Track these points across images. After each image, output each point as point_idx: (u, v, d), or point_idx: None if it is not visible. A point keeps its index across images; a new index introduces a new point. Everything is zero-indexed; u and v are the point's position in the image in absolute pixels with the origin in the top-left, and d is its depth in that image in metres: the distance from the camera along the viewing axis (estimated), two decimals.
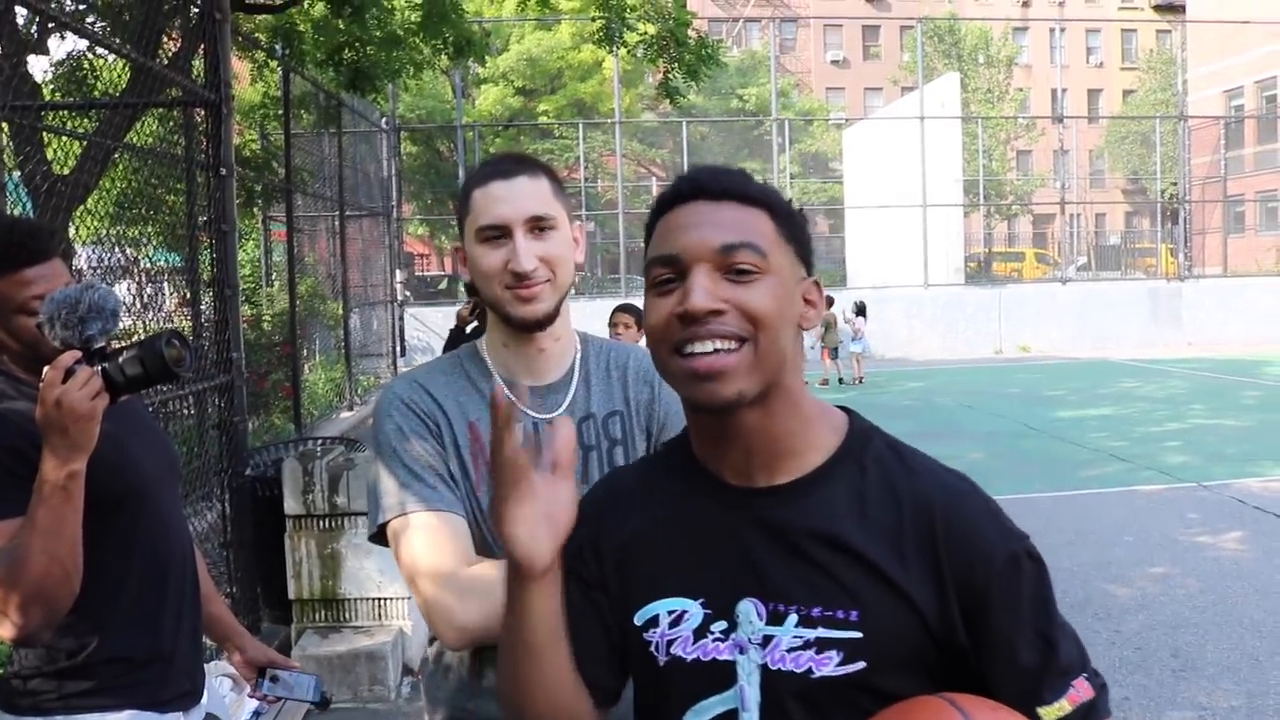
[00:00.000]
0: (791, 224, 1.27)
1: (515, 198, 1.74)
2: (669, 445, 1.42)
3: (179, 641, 2.14)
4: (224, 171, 5.03)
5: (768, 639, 1.23)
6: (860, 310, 19.78)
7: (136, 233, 5.98)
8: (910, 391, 17.10)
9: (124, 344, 1.83)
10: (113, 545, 2.02)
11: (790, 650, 1.22)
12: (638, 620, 1.31)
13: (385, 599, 4.93)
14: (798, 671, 1.21)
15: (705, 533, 1.28)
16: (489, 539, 1.72)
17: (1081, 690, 1.24)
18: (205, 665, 2.35)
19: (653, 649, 1.29)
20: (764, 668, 1.23)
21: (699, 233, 1.22)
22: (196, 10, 5.33)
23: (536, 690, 1.30)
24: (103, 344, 1.80)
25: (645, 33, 10.60)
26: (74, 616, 1.95)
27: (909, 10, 44.54)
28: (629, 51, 11.01)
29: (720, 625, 1.26)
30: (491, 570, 1.63)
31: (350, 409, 12.99)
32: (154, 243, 6.65)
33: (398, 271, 19.85)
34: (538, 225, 1.74)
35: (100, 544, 1.97)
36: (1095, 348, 23.87)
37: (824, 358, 18.76)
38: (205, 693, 2.25)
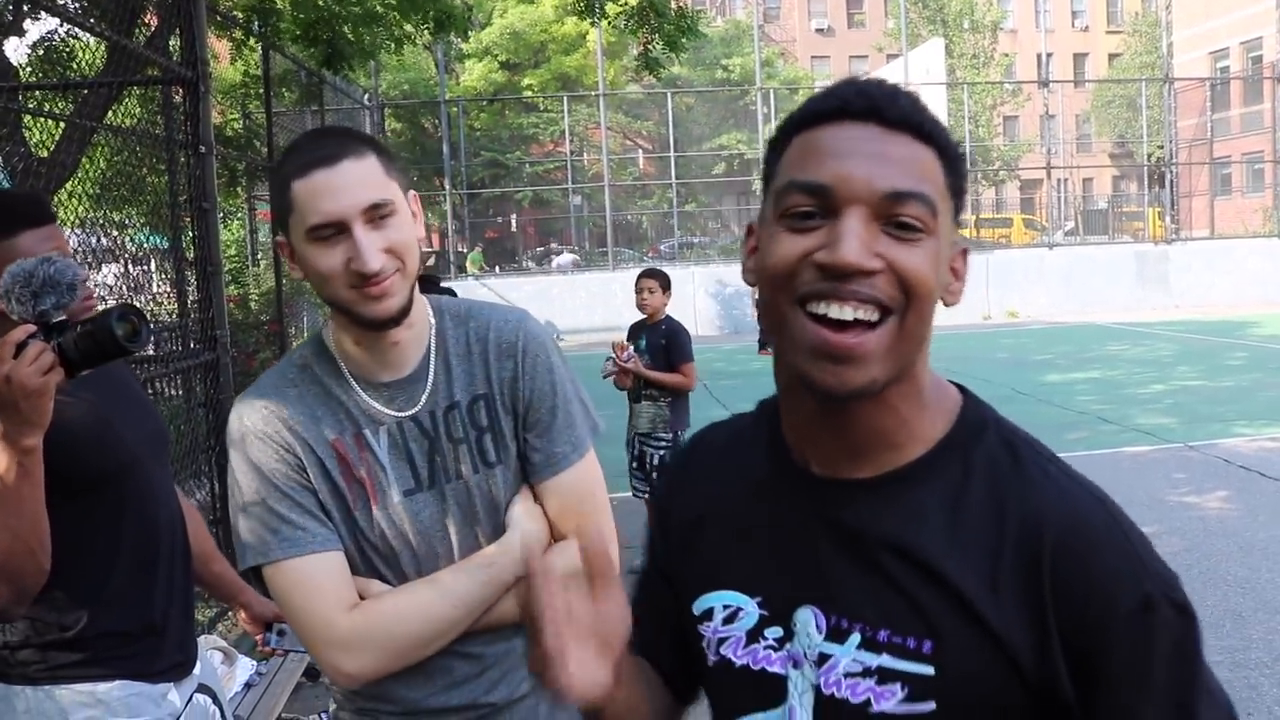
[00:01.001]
0: (958, 172, 1.04)
1: (345, 187, 1.52)
2: (765, 405, 1.20)
3: (170, 614, 2.14)
4: (203, 149, 5.01)
5: (824, 657, 1.05)
6: None
7: (121, 215, 5.97)
8: None
9: (84, 318, 1.82)
10: (101, 519, 2.03)
11: (848, 675, 1.03)
12: (695, 610, 1.16)
13: None
14: (854, 702, 1.03)
15: (774, 524, 1.11)
16: (374, 559, 1.65)
17: None
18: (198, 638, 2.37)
19: (704, 645, 1.15)
20: (817, 690, 1.05)
21: (865, 166, 0.97)
22: None
23: None
24: (61, 318, 1.77)
25: (626, 3, 10.55)
26: (64, 590, 1.96)
27: None
28: (609, 23, 10.95)
29: (775, 632, 1.09)
30: (374, 609, 1.59)
31: None
32: (139, 224, 6.64)
33: None
34: (376, 214, 1.54)
35: (88, 518, 1.98)
36: (1083, 312, 23.94)
37: None
38: (198, 663, 2.26)
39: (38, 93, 6.19)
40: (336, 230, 1.52)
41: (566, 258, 28.66)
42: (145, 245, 6.81)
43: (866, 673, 1.02)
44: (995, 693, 0.99)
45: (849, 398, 0.99)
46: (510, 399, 1.70)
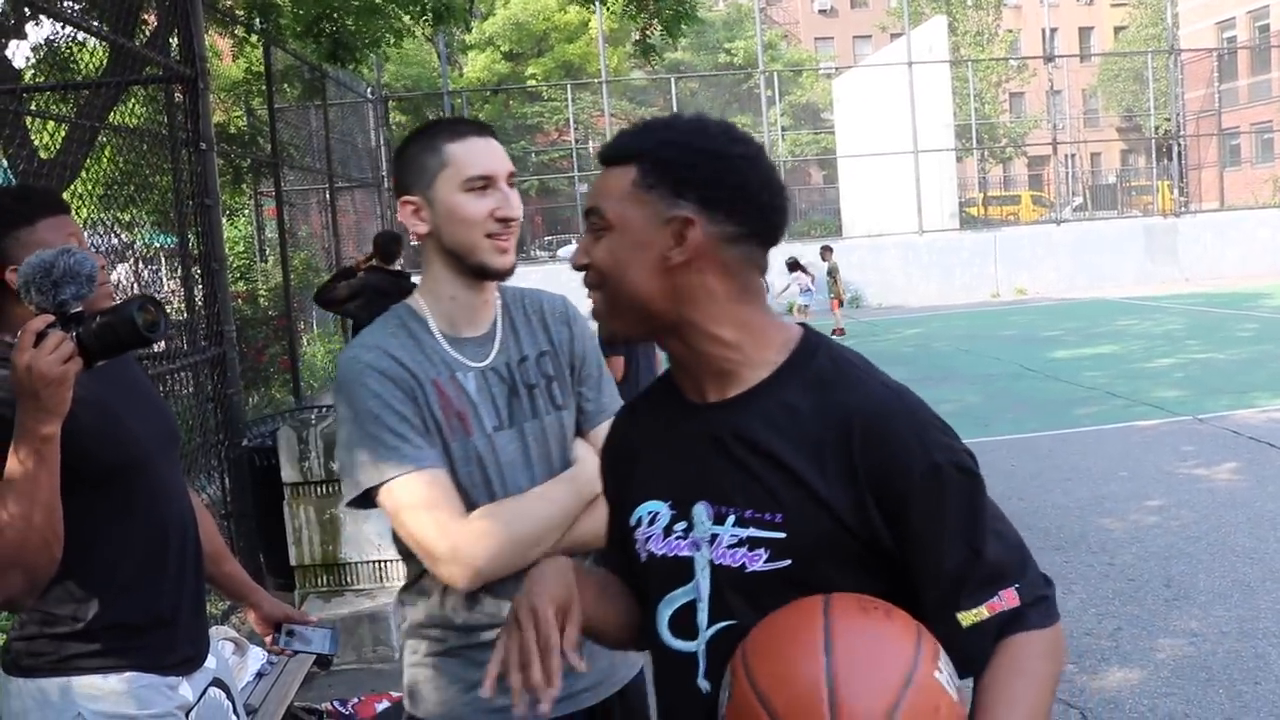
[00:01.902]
0: (666, 166, 1.35)
1: (495, 153, 1.88)
2: (667, 372, 1.55)
3: (181, 608, 2.15)
4: (204, 146, 5.05)
5: (714, 537, 1.36)
6: (794, 265, 19.20)
7: (129, 216, 6.00)
8: (908, 338, 17.11)
9: (100, 310, 1.84)
10: (111, 514, 2.04)
11: (730, 547, 1.34)
12: (630, 521, 1.47)
13: (385, 561, 5.01)
14: (734, 566, 1.34)
15: (671, 442, 1.43)
16: (466, 487, 1.85)
17: (1006, 599, 1.31)
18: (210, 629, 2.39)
19: (637, 547, 1.45)
20: (711, 563, 1.36)
21: (589, 199, 1.41)
22: None
23: (599, 635, 1.54)
24: (78, 309, 1.79)
25: None
26: (75, 583, 1.98)
27: None
28: (609, 9, 10.93)
29: (681, 525, 1.40)
30: (493, 512, 1.83)
31: None
32: (147, 224, 6.68)
33: None
34: (512, 180, 1.90)
35: (98, 513, 1.99)
36: (1092, 287, 23.86)
37: (834, 308, 18.64)
38: (211, 658, 2.28)
39: (41, 95, 6.23)
40: (488, 184, 1.86)
41: (574, 247, 28.63)
42: (154, 245, 6.85)
43: (740, 543, 1.34)
44: (831, 546, 1.30)
45: (609, 340, 1.46)
46: (568, 357, 2.01)
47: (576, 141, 31.52)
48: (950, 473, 1.30)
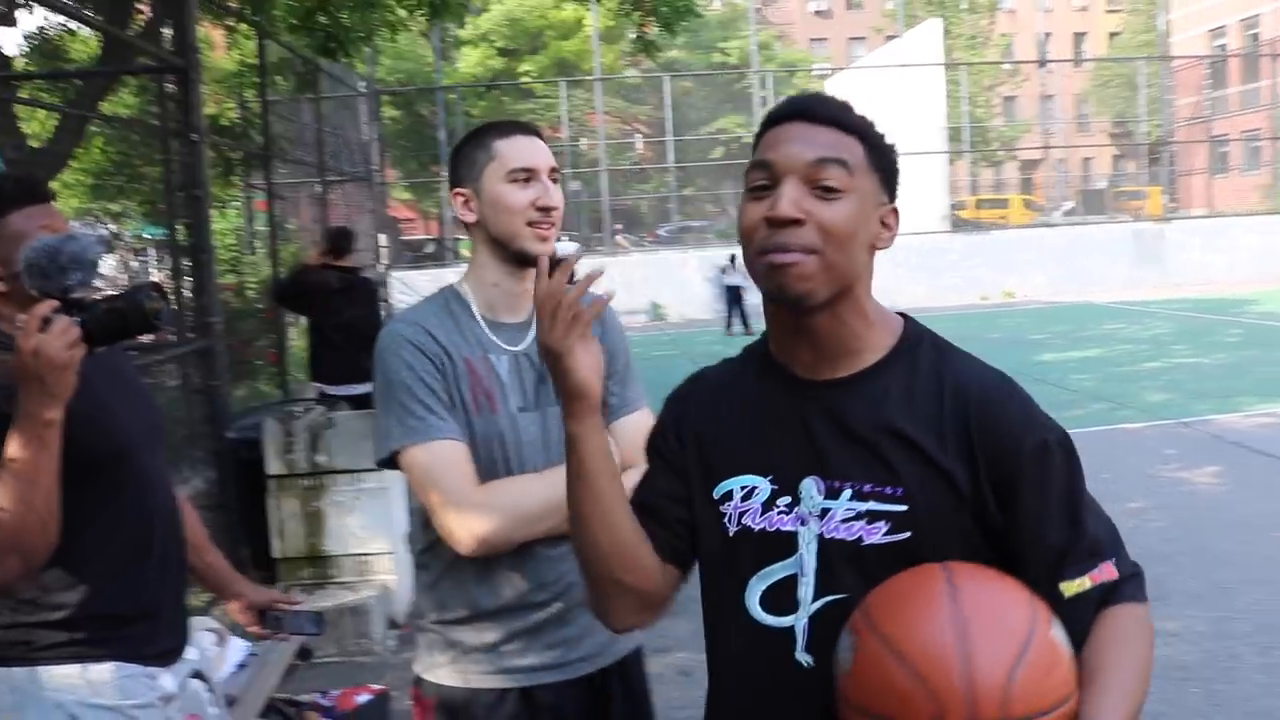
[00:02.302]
0: (881, 153, 1.41)
1: (539, 149, 2.04)
2: (749, 348, 1.58)
3: (164, 599, 2.16)
4: (195, 137, 5.05)
5: (825, 512, 1.39)
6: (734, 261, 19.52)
7: (119, 207, 6.01)
8: None
9: (101, 295, 1.85)
10: (96, 503, 2.04)
11: (844, 521, 1.38)
12: (716, 494, 1.48)
13: (368, 555, 5.03)
14: (849, 540, 1.37)
15: (776, 418, 1.45)
16: (487, 461, 1.97)
17: (1105, 571, 1.37)
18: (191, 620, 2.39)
19: (725, 520, 1.45)
20: (820, 537, 1.39)
21: (795, 147, 1.36)
22: None
23: (596, 520, 1.48)
24: (81, 295, 1.81)
25: None
26: (59, 572, 1.99)
27: None
28: (605, 6, 10.94)
29: (785, 500, 1.42)
30: (503, 486, 1.94)
31: None
32: (137, 215, 6.68)
33: (382, 236, 19.82)
34: (554, 175, 2.05)
35: (84, 502, 1.99)
36: (1080, 291, 23.94)
37: None
38: (192, 649, 2.29)
39: (32, 83, 6.23)
40: (530, 176, 2.00)
41: (570, 246, 28.62)
42: (144, 236, 6.85)
43: (858, 517, 1.37)
44: (949, 518, 1.36)
45: (794, 302, 1.36)
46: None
47: (569, 139, 31.50)
48: (1055, 449, 1.37)
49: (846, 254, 1.36)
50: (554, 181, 2.04)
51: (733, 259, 20.43)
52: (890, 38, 35.40)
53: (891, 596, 1.28)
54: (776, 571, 1.41)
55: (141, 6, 6.63)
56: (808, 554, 1.39)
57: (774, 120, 1.42)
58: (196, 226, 5.11)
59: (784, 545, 1.41)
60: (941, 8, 37.12)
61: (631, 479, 1.96)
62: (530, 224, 2.00)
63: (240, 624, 2.53)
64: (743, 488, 1.45)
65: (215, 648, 3.18)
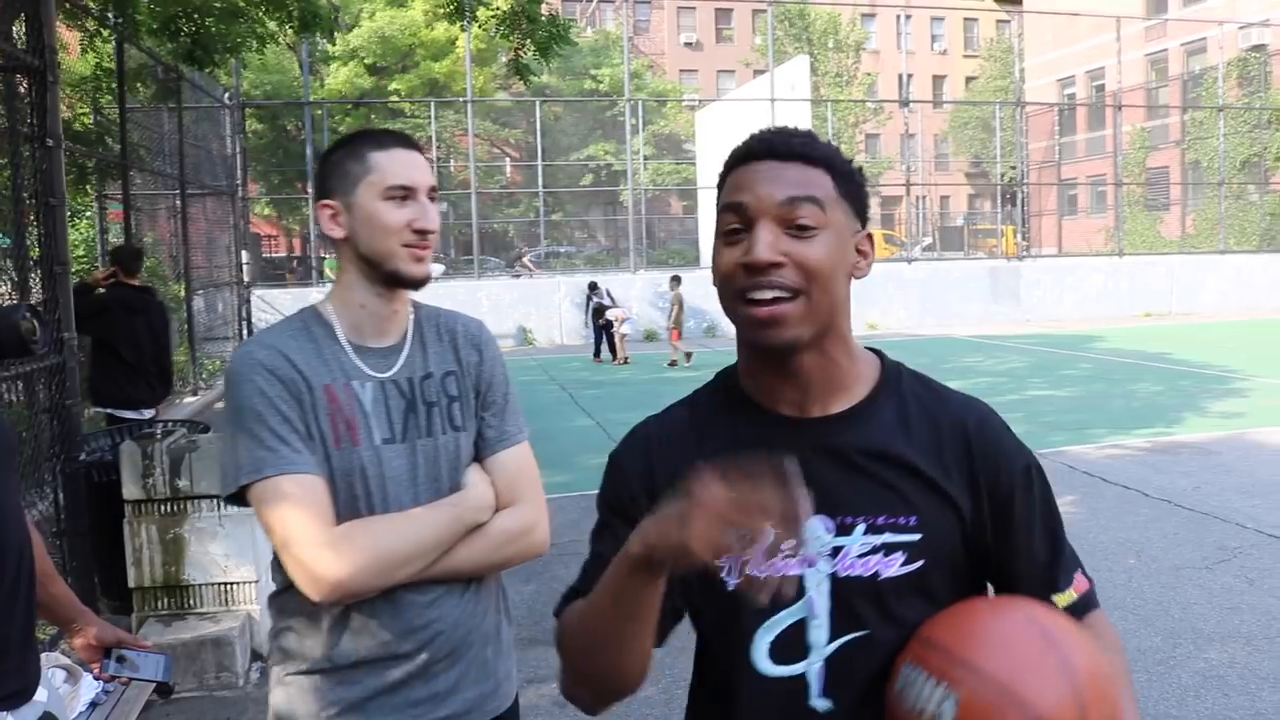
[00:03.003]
0: (849, 180, 1.40)
1: (419, 165, 1.91)
2: (708, 388, 1.53)
3: (9, 639, 2.00)
4: (51, 143, 4.78)
5: (837, 550, 1.36)
6: (595, 288, 20.16)
7: None
8: None
9: None
10: None
11: (860, 556, 1.36)
12: None
13: (231, 584, 4.79)
14: (865, 575, 1.36)
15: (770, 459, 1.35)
16: (348, 497, 1.84)
17: (1080, 581, 1.45)
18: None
19: (724, 574, 1.39)
20: (833, 576, 1.36)
21: (765, 187, 1.34)
22: None
23: (625, 657, 1.35)
24: None
25: (497, 9, 10.47)
26: None
27: None
28: (481, 27, 10.86)
29: (788, 543, 1.30)
30: (359, 526, 1.79)
31: (194, 393, 12.57)
32: None
33: (244, 252, 19.24)
34: (432, 194, 1.93)
35: None
36: (940, 325, 24.72)
37: (674, 339, 18.75)
38: (42, 689, 2.12)
39: None
40: (408, 194, 1.88)
41: (436, 268, 28.27)
42: None
43: (874, 551, 1.36)
44: (954, 545, 1.39)
45: (782, 351, 1.35)
46: (475, 380, 2.00)
47: (438, 160, 31.18)
48: (1036, 471, 1.44)
49: (829, 291, 1.35)
50: (432, 200, 1.93)
51: (593, 286, 20.51)
52: (758, 72, 36.13)
53: (979, 634, 1.28)
54: (784, 619, 1.37)
55: None
56: (818, 595, 1.36)
57: (740, 160, 1.40)
58: (51, 237, 4.83)
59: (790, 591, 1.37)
60: (809, 45, 38.12)
61: (514, 517, 1.95)
62: (406, 245, 1.87)
63: (83, 661, 2.36)
64: (741, 535, 1.32)
65: (66, 685, 2.96)
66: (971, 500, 1.39)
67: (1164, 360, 16.70)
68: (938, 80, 53.46)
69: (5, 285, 6.85)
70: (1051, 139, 34.21)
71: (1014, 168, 31.37)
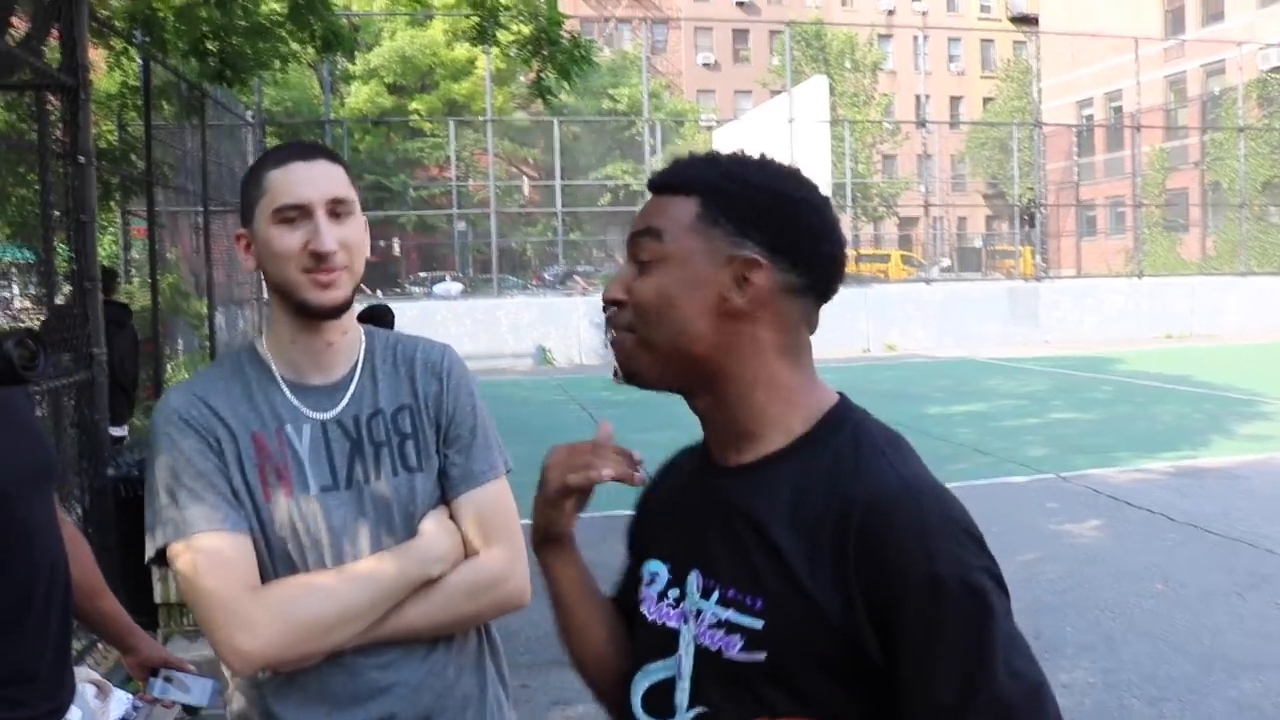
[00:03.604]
0: (732, 199, 1.23)
1: (316, 179, 1.68)
2: None
3: (42, 660, 1.98)
4: (82, 160, 4.82)
5: (699, 612, 1.24)
6: None
7: None
8: None
9: None
10: None
11: (711, 627, 1.22)
12: (642, 575, 1.37)
13: None
14: (712, 649, 1.21)
15: (686, 502, 1.33)
16: (284, 554, 1.67)
17: None
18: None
19: (640, 604, 1.35)
20: (695, 639, 1.24)
21: (634, 223, 1.29)
22: None
23: (575, 640, 1.46)
24: None
25: (519, 31, 10.53)
26: None
27: (778, 15, 45.35)
28: (502, 50, 10.92)
29: (674, 592, 1.29)
30: (278, 591, 1.61)
31: None
32: (2, 236, 6.34)
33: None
34: (337, 209, 1.68)
35: None
36: (959, 346, 24.64)
37: None
38: (75, 708, 2.10)
39: None
40: (301, 214, 1.66)
41: (454, 287, 28.34)
42: (4, 260, 6.49)
43: (720, 624, 1.20)
44: (810, 645, 1.14)
45: (632, 381, 1.29)
46: (434, 413, 1.79)
47: (457, 179, 31.33)
48: (953, 589, 1.09)
49: (665, 328, 1.23)
50: (336, 216, 1.68)
51: None
52: (775, 93, 36.21)
53: None
54: (656, 670, 1.28)
55: (17, 21, 6.34)
56: (685, 656, 1.25)
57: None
58: (81, 253, 4.85)
59: (667, 642, 1.27)
60: (826, 66, 38.19)
61: (479, 567, 1.73)
62: (305, 271, 1.66)
63: (134, 678, 2.35)
64: (650, 573, 1.34)
65: (97, 700, 2.95)
66: (842, 604, 1.12)
67: (1187, 383, 16.61)
68: (955, 101, 53.47)
69: (29, 300, 6.90)
70: (1069, 160, 34.14)
71: (1032, 189, 31.33)
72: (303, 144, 1.76)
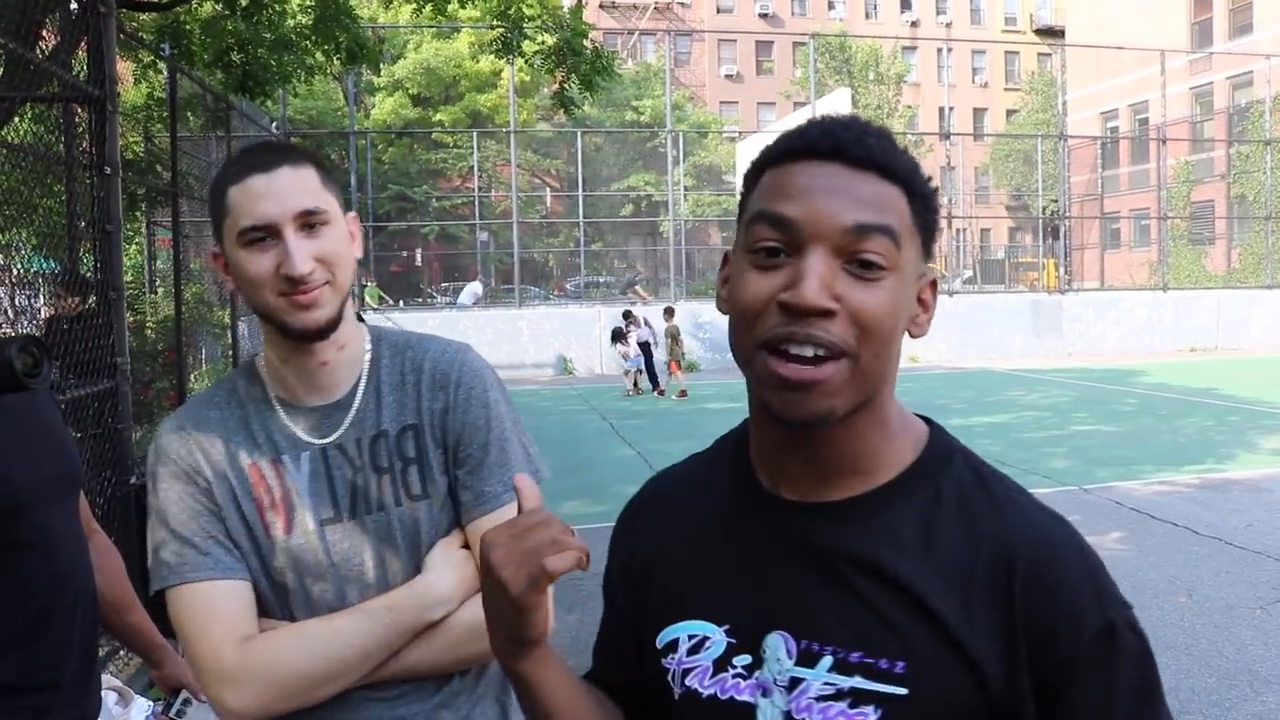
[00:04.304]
0: (926, 206, 1.05)
1: (279, 192, 1.52)
2: (722, 442, 1.22)
3: (66, 669, 1.97)
4: (109, 170, 4.87)
5: (795, 682, 1.04)
6: (619, 334, 19.75)
7: (5, 239, 5.72)
8: None
9: None
10: None
11: (820, 699, 1.02)
12: (659, 643, 1.14)
13: None
14: None
15: (742, 550, 1.10)
16: (286, 591, 1.59)
17: None
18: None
19: (669, 677, 1.12)
20: (788, 716, 1.03)
21: (829, 202, 0.99)
22: (78, 3, 5.16)
23: None
24: None
25: (543, 43, 10.60)
26: None
27: (801, 27, 45.34)
28: (526, 62, 10.98)
29: (744, 659, 1.07)
30: (264, 644, 1.52)
31: None
32: (29, 247, 6.39)
33: None
34: (309, 221, 1.53)
35: None
36: (981, 357, 24.53)
37: (672, 369, 18.63)
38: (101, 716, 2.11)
39: None
40: (268, 234, 1.51)
41: (477, 286, 28.34)
42: (32, 269, 6.54)
43: (839, 695, 1.01)
44: (964, 712, 0.99)
45: (808, 424, 1.01)
46: (441, 432, 1.64)
47: (480, 189, 31.44)
48: (1126, 635, 1.00)
49: (885, 354, 1.02)
50: (309, 229, 1.53)
51: (628, 315, 20.38)
52: (799, 104, 36.22)
53: None
54: None
55: (46, 34, 6.41)
56: None
57: (791, 153, 1.04)
58: (106, 263, 4.90)
59: (739, 719, 1.06)
60: (850, 78, 38.17)
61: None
62: (281, 294, 1.52)
63: (160, 692, 2.36)
64: (690, 637, 1.10)
65: (118, 708, 2.96)
66: (1004, 660, 0.98)
67: (1212, 395, 16.47)
68: (978, 113, 53.30)
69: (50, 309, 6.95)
70: (1094, 172, 33.96)
71: (1055, 201, 31.18)
72: (261, 149, 1.58)
